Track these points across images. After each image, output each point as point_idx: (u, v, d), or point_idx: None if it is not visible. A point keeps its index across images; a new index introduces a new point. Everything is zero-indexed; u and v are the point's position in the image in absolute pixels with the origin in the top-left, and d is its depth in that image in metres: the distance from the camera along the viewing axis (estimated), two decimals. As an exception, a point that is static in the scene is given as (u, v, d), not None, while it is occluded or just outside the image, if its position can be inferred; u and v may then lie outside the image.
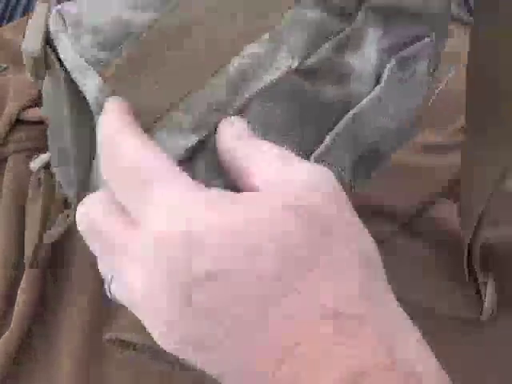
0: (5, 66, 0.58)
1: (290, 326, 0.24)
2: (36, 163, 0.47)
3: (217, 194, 0.26)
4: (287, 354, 0.24)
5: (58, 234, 0.38)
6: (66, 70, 0.32)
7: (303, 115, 0.33)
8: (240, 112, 0.31)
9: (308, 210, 0.25)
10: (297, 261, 0.25)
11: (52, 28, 0.32)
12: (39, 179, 0.47)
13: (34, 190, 0.51)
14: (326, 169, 0.28)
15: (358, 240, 0.27)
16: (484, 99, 0.40)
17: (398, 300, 0.48)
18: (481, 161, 0.42)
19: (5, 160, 0.54)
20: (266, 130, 0.32)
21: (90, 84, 0.31)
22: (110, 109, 0.30)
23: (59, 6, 0.32)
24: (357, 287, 0.25)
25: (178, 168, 0.27)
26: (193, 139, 0.31)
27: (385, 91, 0.34)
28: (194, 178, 0.29)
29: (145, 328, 0.46)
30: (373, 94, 0.34)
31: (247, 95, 0.31)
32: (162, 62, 0.31)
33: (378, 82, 0.34)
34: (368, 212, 0.46)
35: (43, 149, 0.50)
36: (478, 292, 0.47)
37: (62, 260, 0.51)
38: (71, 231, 0.52)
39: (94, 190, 0.39)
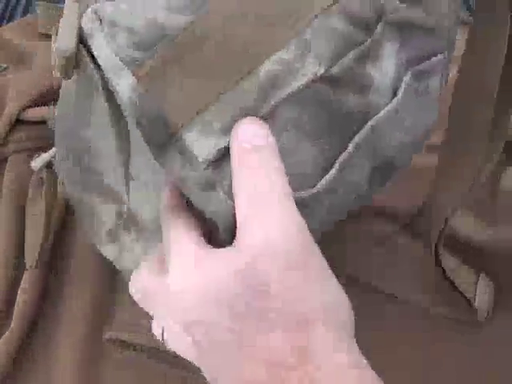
0: (5, 65, 0.58)
1: (243, 370, 0.30)
2: (37, 162, 0.46)
3: (203, 254, 0.32)
4: None
5: None
6: (98, 69, 0.32)
7: (329, 122, 0.33)
8: (268, 117, 0.32)
9: (257, 280, 0.30)
10: (243, 322, 0.30)
11: (86, 27, 0.32)
12: (41, 178, 0.47)
13: (34, 189, 0.51)
14: (296, 221, 0.31)
15: (296, 305, 0.30)
16: (467, 103, 0.41)
17: (397, 300, 0.48)
18: (457, 163, 0.42)
19: (5, 160, 0.54)
20: (297, 135, 0.32)
21: (124, 83, 0.31)
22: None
23: (95, 6, 0.32)
24: (288, 345, 0.30)
25: (190, 238, 0.32)
26: (224, 140, 0.31)
27: (401, 104, 0.35)
28: (222, 178, 0.32)
29: (144, 328, 0.46)
30: (390, 105, 0.35)
31: (275, 100, 0.32)
32: (195, 64, 0.31)
33: (395, 94, 0.35)
34: (370, 212, 0.46)
35: (43, 149, 0.50)
36: (455, 289, 0.48)
37: (63, 259, 0.51)
38: (71, 228, 0.52)
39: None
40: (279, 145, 0.32)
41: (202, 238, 0.33)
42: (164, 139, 0.31)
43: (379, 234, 0.50)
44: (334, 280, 0.32)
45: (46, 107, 0.55)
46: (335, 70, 0.33)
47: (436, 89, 0.37)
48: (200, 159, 0.31)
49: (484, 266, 0.49)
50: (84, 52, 0.32)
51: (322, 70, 0.32)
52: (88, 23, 0.32)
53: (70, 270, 0.51)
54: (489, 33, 0.39)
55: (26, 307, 0.48)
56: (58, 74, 0.33)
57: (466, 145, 0.41)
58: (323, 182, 0.33)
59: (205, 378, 0.49)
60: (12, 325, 0.48)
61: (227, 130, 0.31)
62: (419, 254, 0.47)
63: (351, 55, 0.33)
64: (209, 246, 0.32)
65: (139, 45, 0.31)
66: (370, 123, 0.34)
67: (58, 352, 0.48)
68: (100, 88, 0.32)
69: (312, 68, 0.32)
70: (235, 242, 0.31)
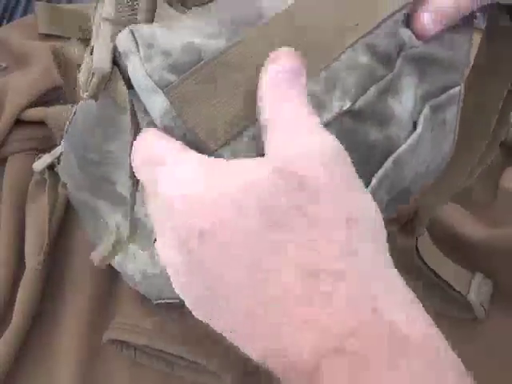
0: (5, 65, 0.59)
1: (271, 285, 0.26)
2: (39, 164, 0.47)
3: (214, 161, 0.29)
4: (271, 313, 0.26)
5: (109, 258, 0.38)
6: (129, 90, 0.32)
7: (352, 155, 0.33)
8: None
9: (296, 175, 0.27)
10: (279, 222, 0.26)
11: (122, 47, 0.32)
12: (44, 178, 0.47)
13: (34, 189, 0.51)
14: (330, 139, 0.29)
15: (347, 204, 0.27)
16: (471, 114, 0.41)
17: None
18: (451, 165, 0.43)
19: (5, 160, 0.54)
20: None
21: (156, 105, 0.31)
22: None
23: (131, 26, 0.32)
24: (338, 246, 0.26)
25: (185, 148, 0.30)
26: None
27: (420, 137, 0.35)
28: None
29: (144, 328, 0.46)
30: (411, 139, 0.35)
31: None
32: (228, 90, 0.31)
33: (414, 127, 0.35)
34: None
35: (43, 149, 0.50)
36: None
37: (62, 260, 0.51)
38: (71, 228, 0.52)
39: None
40: None
41: None
42: None
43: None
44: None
45: (46, 107, 0.55)
46: (359, 103, 0.33)
47: (452, 120, 0.38)
48: None
49: (483, 264, 0.50)
50: (117, 72, 0.32)
51: (347, 105, 0.33)
52: (124, 43, 0.32)
53: (70, 270, 0.51)
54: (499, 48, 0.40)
55: (26, 307, 0.48)
56: (86, 95, 0.33)
57: (463, 150, 0.42)
58: None
59: (205, 378, 0.49)
60: (12, 324, 0.48)
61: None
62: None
63: (374, 89, 0.34)
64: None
65: (174, 67, 0.31)
66: (392, 157, 0.34)
67: (58, 352, 0.48)
68: (128, 111, 0.32)
69: (339, 102, 0.33)
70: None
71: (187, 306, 0.30)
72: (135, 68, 0.31)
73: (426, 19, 0.35)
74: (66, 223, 0.52)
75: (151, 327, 0.47)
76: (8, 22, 0.65)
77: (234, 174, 0.28)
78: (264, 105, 0.30)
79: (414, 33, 0.35)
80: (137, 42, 0.32)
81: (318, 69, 0.32)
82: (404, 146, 0.35)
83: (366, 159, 0.34)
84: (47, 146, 0.53)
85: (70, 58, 0.58)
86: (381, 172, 0.34)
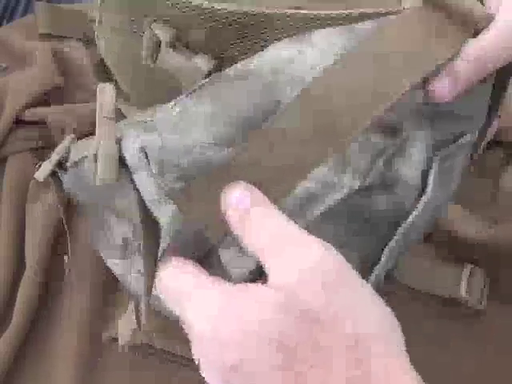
0: (5, 65, 0.59)
1: None
2: (41, 173, 0.46)
3: (232, 295, 0.31)
4: None
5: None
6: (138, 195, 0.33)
7: (360, 230, 0.34)
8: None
9: (297, 307, 0.29)
10: (290, 353, 0.29)
11: (131, 162, 0.32)
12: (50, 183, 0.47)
13: (34, 189, 0.51)
14: (326, 253, 0.30)
15: (346, 325, 0.29)
16: None
17: (396, 299, 0.48)
18: None
19: (5, 160, 0.54)
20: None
21: (165, 214, 0.32)
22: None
23: (140, 140, 0.32)
24: (342, 372, 0.29)
25: (206, 279, 0.32)
26: (256, 262, 0.32)
27: (430, 195, 0.35)
28: None
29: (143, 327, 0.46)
30: (420, 206, 0.35)
31: (311, 217, 0.32)
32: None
33: (423, 179, 0.35)
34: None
35: (43, 148, 0.50)
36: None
37: (63, 260, 0.51)
38: (72, 232, 0.52)
39: None
40: None
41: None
42: (200, 255, 0.33)
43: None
44: (376, 294, 0.31)
45: (46, 107, 0.55)
46: (369, 180, 0.33)
47: (461, 163, 0.37)
48: (233, 276, 0.33)
49: (483, 264, 0.50)
50: (126, 178, 0.32)
51: (358, 184, 0.33)
52: (134, 160, 0.32)
53: (71, 270, 0.51)
54: None
55: (26, 307, 0.48)
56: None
57: None
58: None
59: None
60: (12, 324, 0.48)
61: None
62: (419, 253, 0.47)
63: (381, 161, 0.33)
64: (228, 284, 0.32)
65: (184, 177, 0.32)
66: (403, 227, 0.34)
67: (57, 352, 0.48)
68: (138, 214, 0.33)
69: (348, 182, 0.33)
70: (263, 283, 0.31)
71: None
72: (145, 183, 0.32)
73: (443, 86, 0.33)
74: (66, 222, 0.52)
75: (152, 327, 0.47)
76: (8, 22, 0.65)
77: (250, 312, 0.30)
78: (240, 233, 0.31)
79: (429, 95, 0.33)
80: (148, 159, 0.32)
81: (329, 154, 0.32)
82: (414, 213, 0.35)
83: (377, 229, 0.34)
84: (47, 145, 0.53)
85: (70, 58, 0.58)
86: (392, 242, 0.34)
